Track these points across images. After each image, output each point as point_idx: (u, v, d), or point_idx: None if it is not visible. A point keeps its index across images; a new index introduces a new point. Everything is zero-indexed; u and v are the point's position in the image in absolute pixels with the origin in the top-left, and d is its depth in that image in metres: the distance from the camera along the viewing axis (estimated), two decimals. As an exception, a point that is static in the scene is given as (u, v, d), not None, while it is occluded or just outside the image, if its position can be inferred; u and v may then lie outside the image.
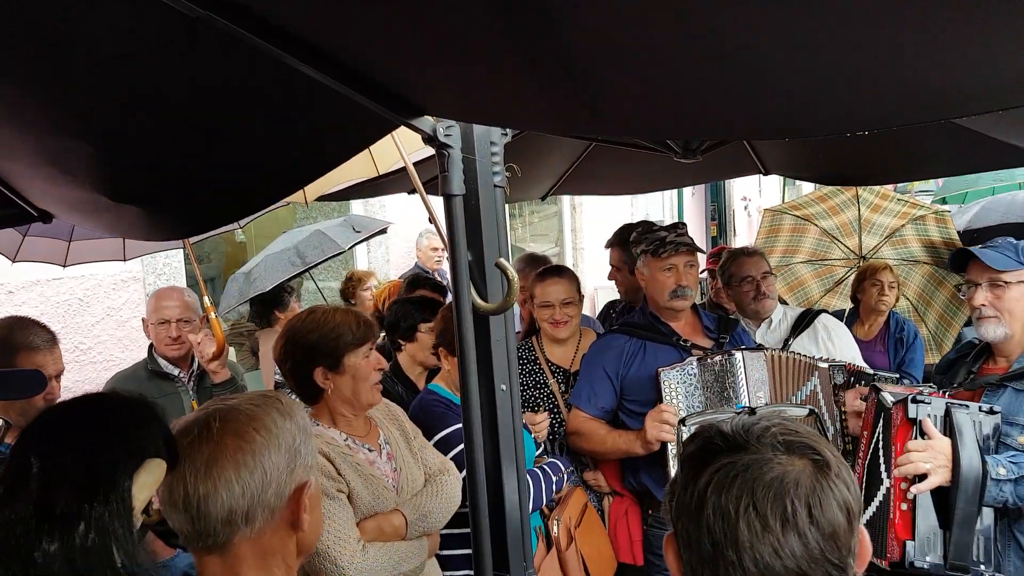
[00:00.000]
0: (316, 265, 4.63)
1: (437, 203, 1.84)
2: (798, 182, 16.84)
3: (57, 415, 1.29)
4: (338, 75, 1.31)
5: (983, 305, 2.29)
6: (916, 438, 2.10)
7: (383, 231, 5.20)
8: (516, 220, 9.50)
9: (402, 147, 1.86)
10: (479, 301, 1.74)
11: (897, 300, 4.48)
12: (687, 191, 13.90)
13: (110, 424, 1.28)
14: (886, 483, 2.14)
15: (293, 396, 2.18)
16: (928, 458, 2.05)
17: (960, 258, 2.40)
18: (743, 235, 14.90)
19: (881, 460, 2.18)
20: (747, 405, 2.40)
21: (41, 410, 1.35)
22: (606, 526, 2.80)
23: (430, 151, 2.85)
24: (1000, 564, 2.11)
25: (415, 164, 2.54)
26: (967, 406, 2.11)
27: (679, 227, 2.74)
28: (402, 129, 1.68)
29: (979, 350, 2.42)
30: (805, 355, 2.60)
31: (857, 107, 1.23)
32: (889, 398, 2.18)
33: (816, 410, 2.09)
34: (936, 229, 5.23)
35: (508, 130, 1.87)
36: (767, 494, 0.88)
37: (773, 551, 0.86)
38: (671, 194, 13.40)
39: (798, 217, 5.55)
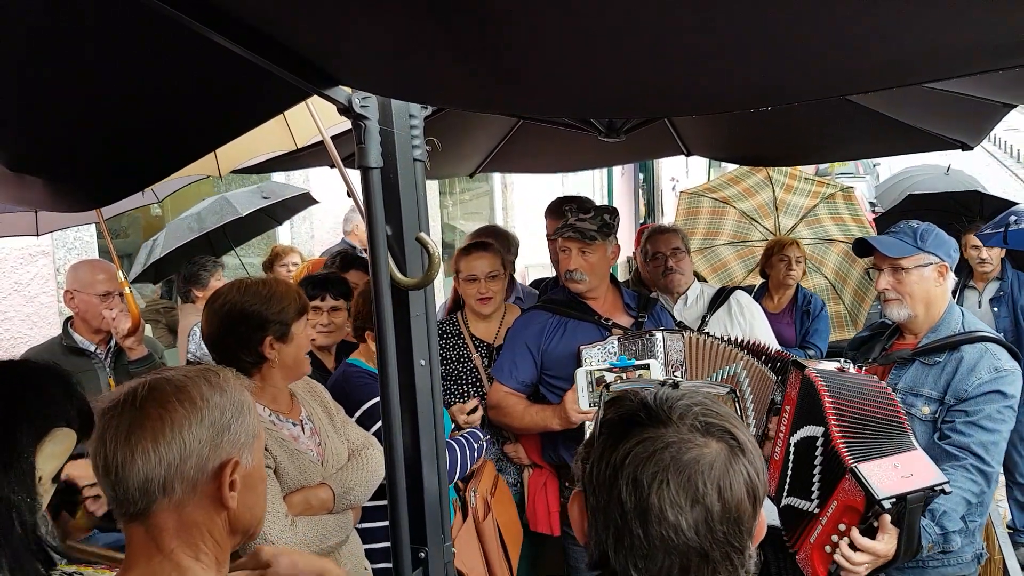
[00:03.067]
0: (212, 230, 4.63)
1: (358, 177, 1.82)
2: (724, 164, 17.31)
3: None
4: (247, 40, 1.27)
5: (886, 289, 2.39)
6: (866, 521, 1.97)
7: (306, 197, 5.11)
8: (447, 198, 9.43)
9: (319, 119, 1.82)
10: (399, 276, 1.73)
11: (804, 274, 4.62)
12: (616, 171, 14.08)
13: (14, 392, 1.26)
14: (814, 505, 2.10)
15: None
16: (867, 562, 1.97)
17: (862, 245, 2.50)
18: (671, 215, 15.18)
19: (815, 487, 2.12)
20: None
21: None
22: (525, 498, 2.85)
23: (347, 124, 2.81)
24: None
25: (335, 137, 2.48)
26: (920, 493, 1.97)
27: (586, 209, 2.75)
28: (319, 99, 1.65)
29: (892, 329, 2.52)
30: (723, 340, 2.64)
31: (761, 84, 1.27)
32: (849, 459, 2.02)
33: (736, 391, 2.09)
34: (845, 206, 5.43)
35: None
36: (681, 474, 0.90)
37: (678, 529, 0.89)
38: (601, 174, 13.54)
39: (716, 200, 5.69)
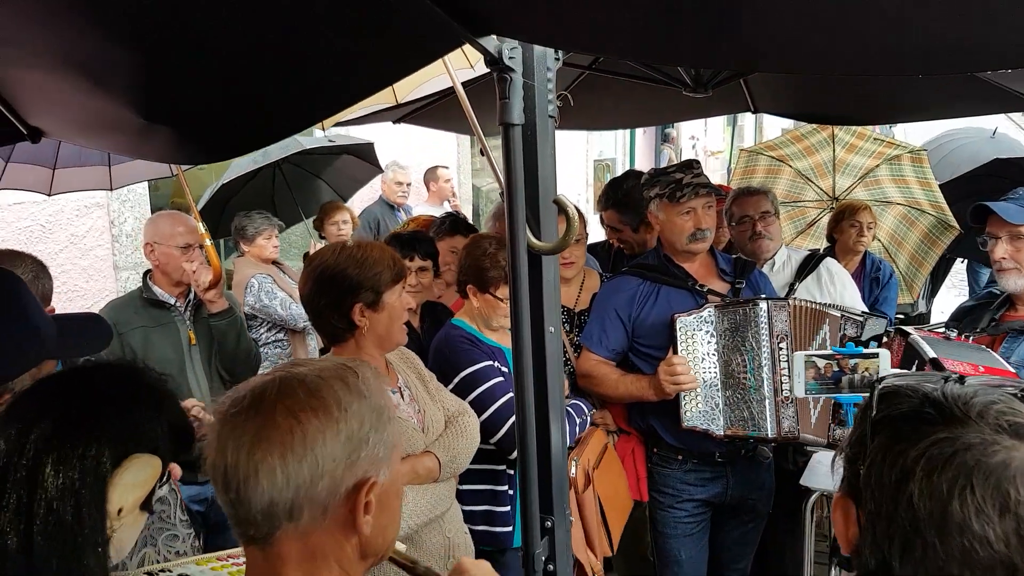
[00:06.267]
0: (279, 163, 4.70)
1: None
2: (741, 123, 17.13)
3: (41, 390, 1.13)
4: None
5: (1003, 258, 2.31)
6: None
7: (369, 148, 5.06)
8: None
9: (453, 72, 1.72)
10: (534, 240, 1.64)
11: (872, 240, 4.53)
12: (639, 130, 13.85)
13: (93, 409, 1.10)
14: None
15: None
16: None
17: (979, 211, 2.40)
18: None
19: None
20: (771, 356, 2.39)
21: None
22: (613, 464, 2.80)
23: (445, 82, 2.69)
24: None
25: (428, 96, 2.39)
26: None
27: (694, 166, 2.65)
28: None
29: (1002, 299, 2.43)
30: (818, 303, 2.60)
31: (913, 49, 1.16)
32: (928, 349, 2.12)
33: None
34: (911, 169, 5.26)
35: (560, 54, 1.74)
36: (988, 480, 0.81)
37: (984, 540, 0.80)
38: (623, 132, 13.34)
39: (773, 158, 5.55)
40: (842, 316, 2.56)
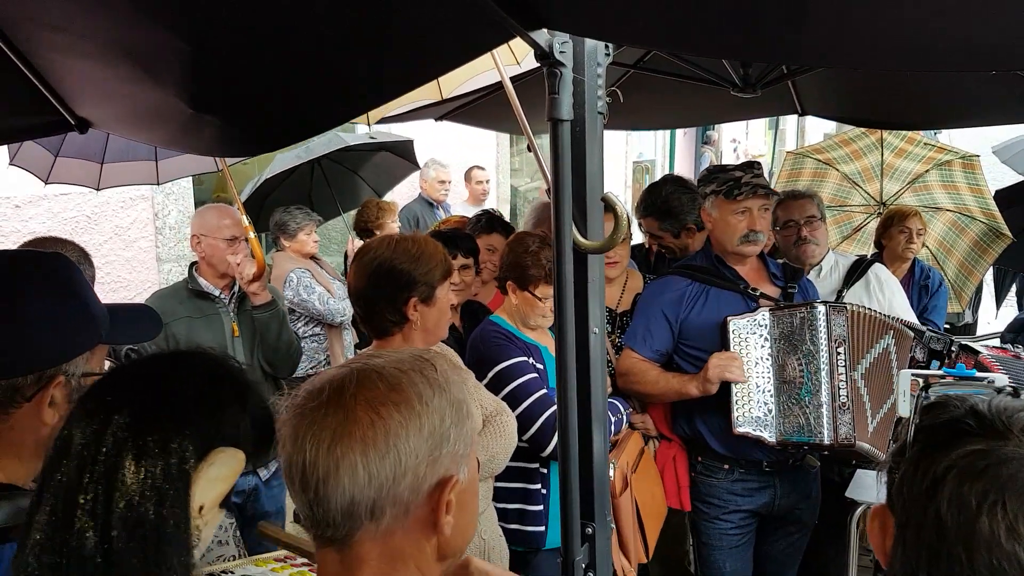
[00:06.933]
0: (318, 158, 4.72)
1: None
2: (783, 126, 16.86)
3: (119, 378, 1.08)
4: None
5: None
6: None
7: (407, 146, 5.08)
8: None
9: (501, 63, 1.70)
10: (580, 239, 1.61)
11: (921, 247, 4.41)
12: (679, 131, 13.71)
13: (176, 399, 1.05)
14: None
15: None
16: None
17: None
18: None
19: None
20: (828, 361, 2.31)
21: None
22: (653, 470, 2.74)
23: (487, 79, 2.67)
24: None
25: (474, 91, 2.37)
26: None
27: (754, 167, 2.60)
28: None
29: None
30: (881, 313, 2.52)
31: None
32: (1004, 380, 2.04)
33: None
34: (963, 175, 5.11)
35: (610, 49, 1.70)
36: (1022, 497, 0.77)
37: (1014, 558, 0.76)
38: (663, 134, 13.22)
39: (820, 161, 5.43)
40: (914, 337, 2.48)
